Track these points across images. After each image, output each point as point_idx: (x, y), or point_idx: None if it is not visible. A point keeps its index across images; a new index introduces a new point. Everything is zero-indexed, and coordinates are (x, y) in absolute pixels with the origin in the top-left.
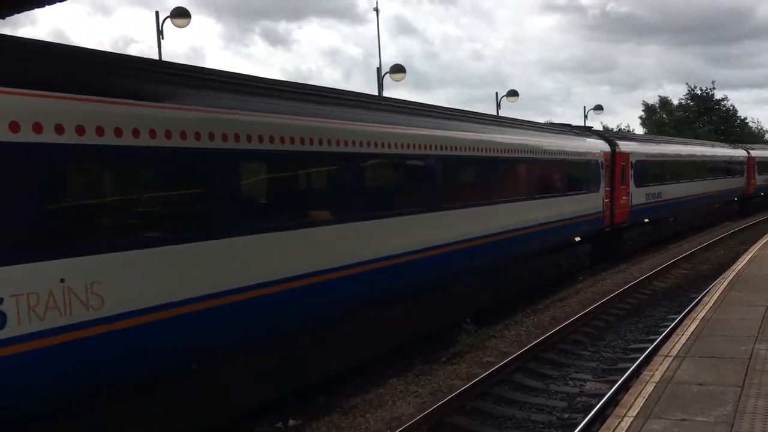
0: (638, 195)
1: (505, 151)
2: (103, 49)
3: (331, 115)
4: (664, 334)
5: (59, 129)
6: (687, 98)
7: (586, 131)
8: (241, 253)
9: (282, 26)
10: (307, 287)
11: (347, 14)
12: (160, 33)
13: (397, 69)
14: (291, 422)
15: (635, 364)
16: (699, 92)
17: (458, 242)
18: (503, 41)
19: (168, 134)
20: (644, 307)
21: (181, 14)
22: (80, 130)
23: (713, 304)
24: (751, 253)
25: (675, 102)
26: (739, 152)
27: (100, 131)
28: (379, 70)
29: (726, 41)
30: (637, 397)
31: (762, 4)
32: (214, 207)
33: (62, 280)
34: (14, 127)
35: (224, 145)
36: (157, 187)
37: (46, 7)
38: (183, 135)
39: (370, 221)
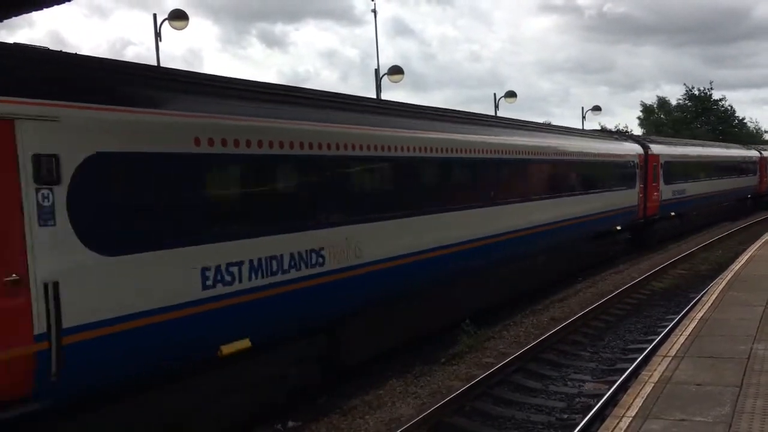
0: (666, 191)
1: (566, 155)
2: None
3: (432, 128)
4: (662, 334)
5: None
6: (685, 99)
7: (623, 136)
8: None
9: (279, 28)
10: (439, 257)
11: (344, 16)
12: (158, 35)
13: (396, 70)
14: (290, 423)
15: (634, 365)
16: (697, 93)
17: (538, 226)
18: (500, 42)
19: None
20: (643, 307)
21: (179, 16)
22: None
23: (712, 304)
24: (750, 253)
25: (673, 102)
26: (752, 153)
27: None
28: (377, 71)
29: (723, 41)
30: (635, 398)
31: (759, 4)
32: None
33: (346, 239)
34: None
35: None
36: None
37: (44, 9)
38: (360, 146)
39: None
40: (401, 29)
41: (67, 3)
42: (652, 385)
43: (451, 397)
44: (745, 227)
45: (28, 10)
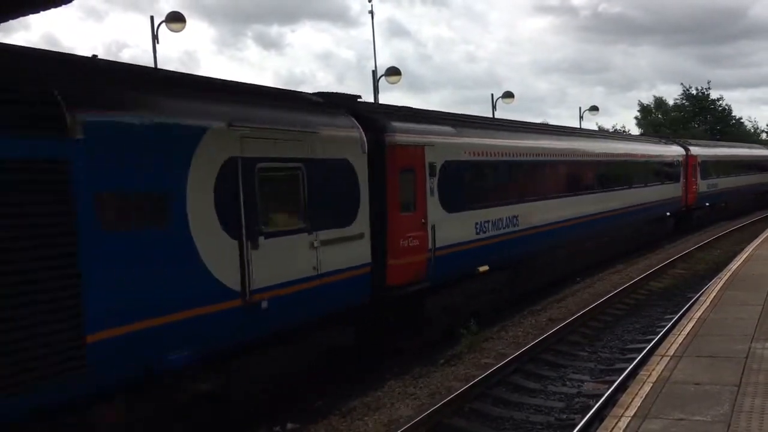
0: (702, 186)
1: (634, 156)
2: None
3: (561, 140)
4: (661, 334)
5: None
6: (682, 98)
7: (669, 140)
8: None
9: (275, 30)
10: (572, 225)
11: (340, 17)
12: (155, 38)
13: (393, 72)
14: (289, 426)
15: (632, 364)
16: (694, 92)
17: (620, 209)
18: (496, 43)
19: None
20: (641, 307)
21: (176, 18)
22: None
23: (710, 303)
24: (747, 253)
25: (670, 102)
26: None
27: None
28: (374, 72)
29: (720, 41)
30: (634, 397)
31: (756, 3)
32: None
33: (526, 211)
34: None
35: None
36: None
37: (42, 12)
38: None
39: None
40: (397, 30)
41: (64, 6)
42: (651, 384)
43: (450, 398)
44: (743, 227)
45: (26, 13)
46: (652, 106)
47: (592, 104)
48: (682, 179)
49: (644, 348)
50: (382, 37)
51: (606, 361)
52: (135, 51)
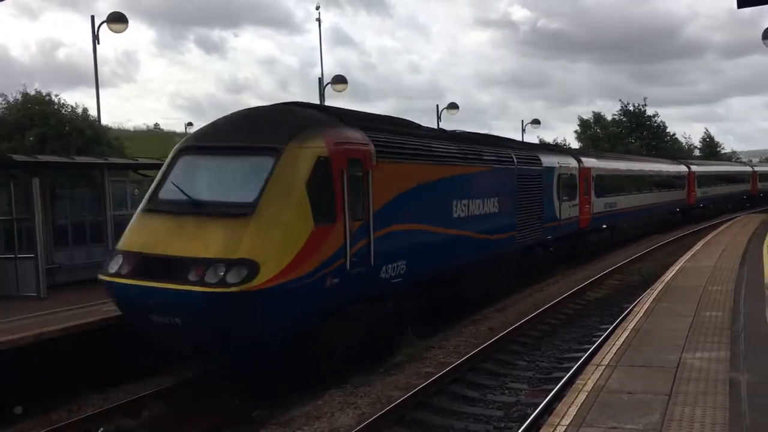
0: (699, 192)
1: (662, 172)
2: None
3: (634, 160)
4: (596, 343)
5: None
6: (620, 114)
7: (678, 160)
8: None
9: (216, 33)
10: (641, 208)
11: (284, 24)
12: (95, 38)
13: (339, 80)
14: None
15: (569, 374)
16: (632, 108)
17: (650, 204)
18: (439, 54)
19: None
20: (578, 317)
21: (118, 19)
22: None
23: (643, 314)
24: (679, 265)
25: (609, 117)
26: (746, 168)
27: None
28: (320, 80)
29: (654, 59)
30: (570, 406)
31: (689, 24)
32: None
33: (615, 200)
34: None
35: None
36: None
37: None
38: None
39: (632, 195)
40: (341, 39)
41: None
42: (586, 393)
43: (390, 407)
44: (676, 239)
45: None
46: (591, 120)
47: (533, 117)
48: (686, 188)
49: (581, 357)
50: (326, 44)
51: (544, 370)
52: (71, 50)
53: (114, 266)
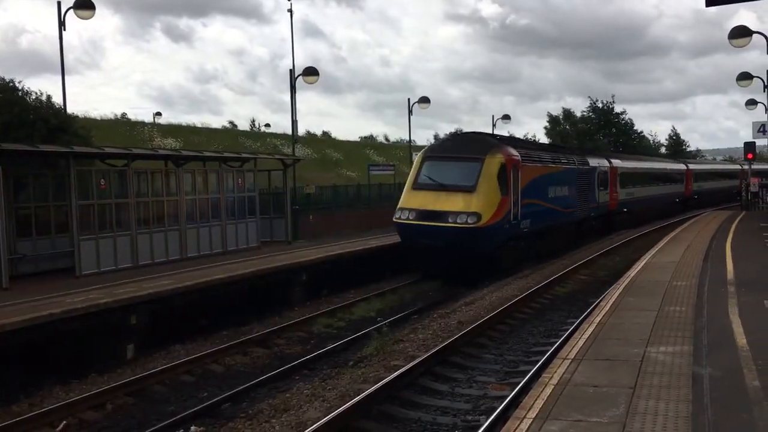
0: (695, 186)
1: (665, 169)
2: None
3: (652, 160)
4: (563, 337)
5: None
6: (589, 111)
7: (680, 159)
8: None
9: (184, 22)
10: (641, 198)
11: (253, 14)
12: (62, 24)
13: (310, 72)
14: (193, 428)
15: (536, 367)
16: (600, 105)
17: (662, 194)
18: (410, 48)
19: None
20: (546, 311)
21: (85, 5)
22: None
23: (609, 308)
24: (645, 261)
25: (578, 114)
26: (737, 167)
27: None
28: (292, 72)
29: (622, 57)
30: (536, 399)
31: (655, 23)
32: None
33: (638, 189)
34: (623, 168)
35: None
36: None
37: None
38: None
39: (654, 186)
40: (311, 30)
41: None
42: (552, 386)
43: (358, 399)
44: (643, 235)
45: None
46: (560, 117)
47: (503, 113)
48: (684, 183)
49: (547, 351)
50: (296, 36)
51: (511, 363)
52: (35, 36)
53: (403, 215)
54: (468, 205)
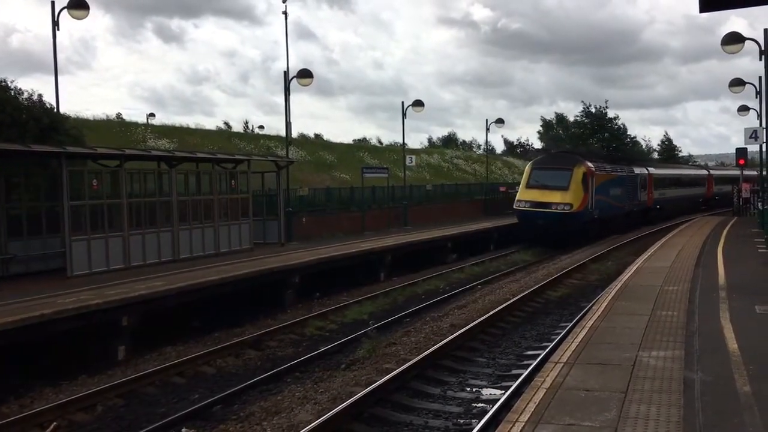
0: (716, 189)
1: (689, 174)
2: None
3: (676, 168)
4: (555, 341)
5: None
6: (582, 116)
7: (698, 166)
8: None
9: (176, 23)
10: (670, 198)
11: (245, 15)
12: (56, 24)
13: (304, 74)
14: (184, 430)
15: (528, 371)
16: (593, 110)
17: (687, 195)
18: (402, 51)
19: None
20: (538, 315)
21: (79, 5)
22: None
23: (601, 313)
24: (637, 265)
25: (571, 118)
26: (754, 173)
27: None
28: (286, 74)
29: (613, 62)
30: (528, 403)
31: (647, 28)
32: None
33: (669, 190)
34: (655, 174)
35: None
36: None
37: None
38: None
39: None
40: (303, 33)
41: None
42: (545, 390)
43: (349, 402)
44: (635, 240)
45: None
46: (554, 121)
47: (496, 116)
48: (706, 186)
49: (539, 355)
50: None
51: (504, 367)
52: (25, 36)
53: (521, 205)
54: (564, 198)
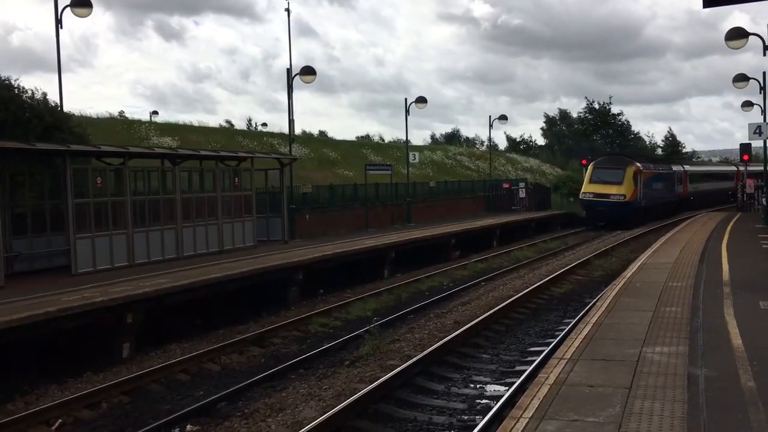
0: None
1: (719, 171)
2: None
3: (702, 164)
4: (559, 337)
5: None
6: (586, 112)
7: (733, 163)
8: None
9: (176, 20)
10: (702, 191)
11: (245, 12)
12: (59, 22)
13: (308, 71)
14: (189, 428)
15: (531, 367)
16: (597, 106)
17: (715, 189)
18: (404, 48)
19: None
20: (542, 311)
21: (82, 3)
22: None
23: (605, 309)
24: (641, 261)
25: (574, 115)
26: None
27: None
28: (289, 71)
29: (616, 58)
30: (532, 399)
31: (649, 24)
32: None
33: (696, 186)
34: (688, 171)
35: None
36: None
37: None
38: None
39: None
40: (304, 30)
41: None
42: (549, 386)
43: (353, 399)
44: (637, 236)
45: None
46: (557, 118)
47: (498, 113)
48: (736, 181)
49: (543, 351)
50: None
51: (507, 363)
52: (26, 34)
53: (586, 196)
54: (619, 191)
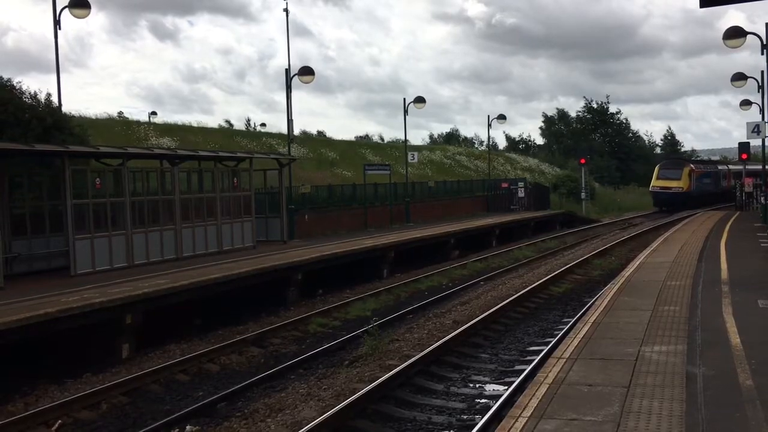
0: (750, 184)
1: (733, 170)
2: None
3: (728, 164)
4: (558, 337)
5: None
6: (584, 111)
7: (737, 162)
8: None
9: (170, 20)
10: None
11: (240, 12)
12: (57, 23)
13: (306, 71)
14: (188, 428)
15: (530, 366)
16: (595, 105)
17: (731, 187)
18: (399, 48)
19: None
20: (541, 310)
21: (80, 4)
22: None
23: (604, 308)
24: (639, 261)
25: (572, 114)
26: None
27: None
28: (287, 71)
29: (612, 57)
30: (531, 398)
31: (645, 23)
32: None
33: (718, 182)
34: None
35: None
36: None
37: None
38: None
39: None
40: (299, 30)
41: None
42: (547, 386)
43: (353, 399)
44: (636, 235)
45: None
46: (555, 117)
47: (496, 112)
48: (743, 178)
49: (542, 350)
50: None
51: (506, 362)
52: (20, 35)
53: (655, 188)
54: (678, 185)
